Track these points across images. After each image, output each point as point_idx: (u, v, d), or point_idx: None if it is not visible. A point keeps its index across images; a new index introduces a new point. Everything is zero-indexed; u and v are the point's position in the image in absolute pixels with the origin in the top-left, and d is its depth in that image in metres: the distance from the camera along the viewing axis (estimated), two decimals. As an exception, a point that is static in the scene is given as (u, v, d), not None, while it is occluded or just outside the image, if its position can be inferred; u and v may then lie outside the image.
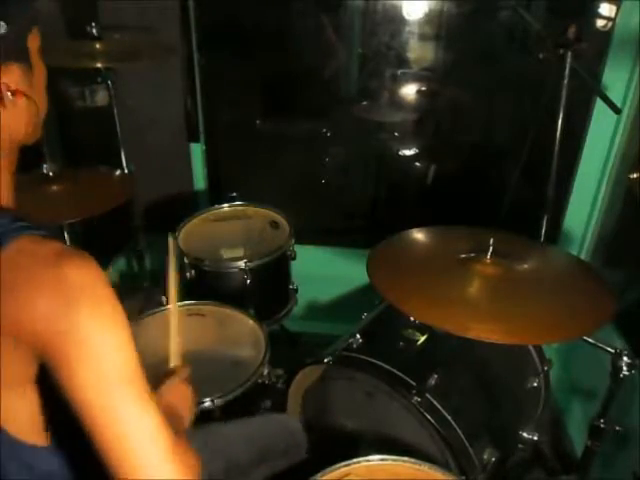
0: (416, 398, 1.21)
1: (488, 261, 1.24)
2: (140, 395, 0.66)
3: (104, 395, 0.64)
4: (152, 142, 2.14)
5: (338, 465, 1.04)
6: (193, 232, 1.88)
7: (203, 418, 1.26)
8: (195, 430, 1.12)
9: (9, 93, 0.71)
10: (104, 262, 2.27)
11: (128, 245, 2.19)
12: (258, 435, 1.20)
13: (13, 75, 0.72)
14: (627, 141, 1.82)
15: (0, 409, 0.66)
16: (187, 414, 0.96)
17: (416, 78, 2.15)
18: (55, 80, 2.18)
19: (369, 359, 1.31)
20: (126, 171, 1.93)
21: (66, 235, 1.72)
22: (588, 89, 1.70)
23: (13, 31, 0.70)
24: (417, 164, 2.32)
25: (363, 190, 2.41)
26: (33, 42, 0.75)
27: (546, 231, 1.61)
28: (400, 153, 2.29)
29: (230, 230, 1.92)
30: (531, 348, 1.50)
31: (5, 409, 0.67)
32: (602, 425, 1.30)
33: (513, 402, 1.42)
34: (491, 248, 1.24)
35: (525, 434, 1.34)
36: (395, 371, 1.27)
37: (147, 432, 0.66)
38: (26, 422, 0.70)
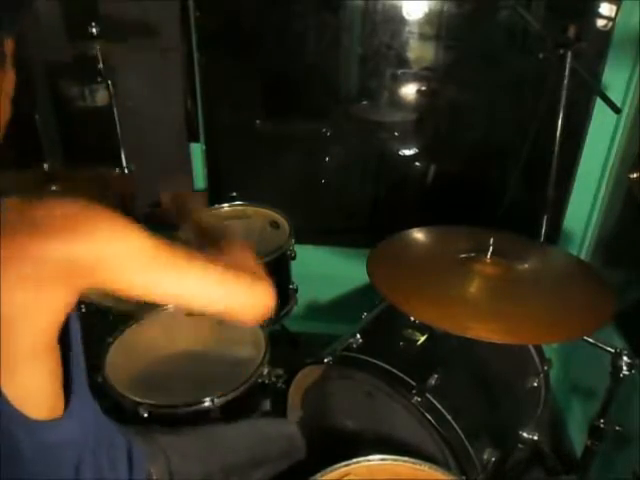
0: (416, 398, 1.21)
1: (488, 261, 1.24)
2: (181, 263, 0.75)
3: (155, 280, 0.73)
4: (152, 142, 2.14)
5: (338, 465, 1.04)
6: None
7: (203, 418, 1.26)
8: (195, 430, 1.13)
9: None
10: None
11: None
12: (255, 439, 1.20)
13: None
14: (627, 141, 1.82)
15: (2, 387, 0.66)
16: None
17: (416, 78, 2.15)
18: (55, 80, 2.18)
19: (369, 359, 1.31)
20: (126, 171, 1.93)
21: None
22: (588, 89, 1.70)
23: None
24: (417, 164, 2.32)
25: (363, 190, 2.41)
26: (8, 46, 0.74)
27: (546, 231, 1.61)
28: (400, 153, 2.29)
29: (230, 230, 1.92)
30: (531, 348, 1.50)
31: (17, 387, 0.67)
32: (602, 425, 1.30)
33: (513, 402, 1.42)
34: (491, 248, 1.24)
35: (525, 434, 1.34)
36: (395, 371, 1.27)
37: (213, 286, 0.79)
38: (38, 397, 0.70)
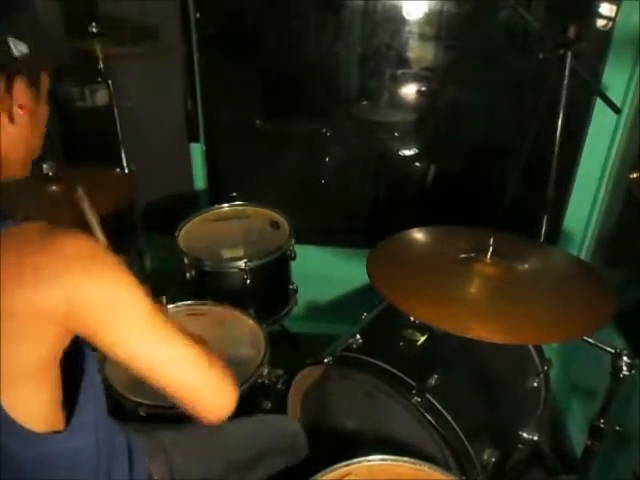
0: (416, 398, 1.21)
1: (488, 261, 1.24)
2: (170, 336, 0.74)
3: (137, 345, 0.71)
4: (152, 142, 2.14)
5: (338, 465, 1.04)
6: (193, 232, 1.88)
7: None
8: (196, 428, 1.13)
9: (19, 110, 0.73)
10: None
11: (128, 245, 2.19)
12: (257, 436, 1.20)
13: (24, 94, 0.73)
14: (627, 141, 1.82)
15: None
16: None
17: (416, 78, 2.15)
18: (55, 80, 2.18)
19: (369, 359, 1.31)
20: (126, 171, 1.93)
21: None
22: (588, 89, 1.70)
23: (33, 55, 0.72)
24: (417, 164, 2.32)
25: (363, 190, 2.41)
26: (45, 81, 0.79)
27: (546, 231, 1.61)
28: (400, 153, 2.29)
29: (230, 230, 1.92)
30: (531, 348, 1.50)
31: (19, 403, 0.67)
32: (602, 425, 1.30)
33: (513, 402, 1.42)
34: (491, 248, 1.24)
35: (525, 434, 1.34)
36: (395, 371, 1.27)
37: (188, 367, 0.76)
38: (41, 412, 0.70)
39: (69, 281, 0.65)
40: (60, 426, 0.73)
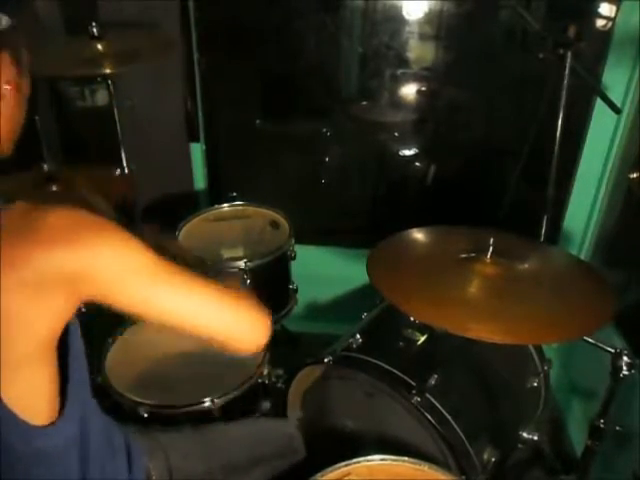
0: (416, 398, 1.21)
1: (488, 261, 1.24)
2: (182, 281, 0.75)
3: (151, 298, 0.72)
4: (152, 142, 2.14)
5: (338, 465, 1.04)
6: (193, 232, 1.88)
7: (203, 418, 1.26)
8: (195, 429, 1.13)
9: (6, 86, 0.72)
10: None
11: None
12: (256, 438, 1.21)
13: (10, 70, 0.72)
14: (627, 141, 1.82)
15: None
16: None
17: (416, 78, 2.15)
18: (55, 80, 2.18)
19: (369, 359, 1.31)
20: (126, 171, 1.93)
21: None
22: (588, 89, 1.70)
23: (13, 27, 0.71)
24: (417, 164, 2.32)
25: (363, 190, 2.41)
26: (25, 56, 0.76)
27: (546, 231, 1.61)
28: (400, 153, 2.29)
29: (230, 230, 1.92)
30: (531, 348, 1.50)
31: (19, 394, 0.67)
32: (602, 425, 1.30)
33: (513, 402, 1.42)
34: (491, 248, 1.24)
35: (525, 434, 1.34)
36: (395, 371, 1.27)
37: (208, 305, 0.77)
38: (36, 402, 0.70)
39: (68, 256, 0.65)
40: (55, 415, 0.73)
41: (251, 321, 0.81)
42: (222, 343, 0.80)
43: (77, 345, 0.76)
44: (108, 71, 1.63)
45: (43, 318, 0.66)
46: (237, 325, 0.80)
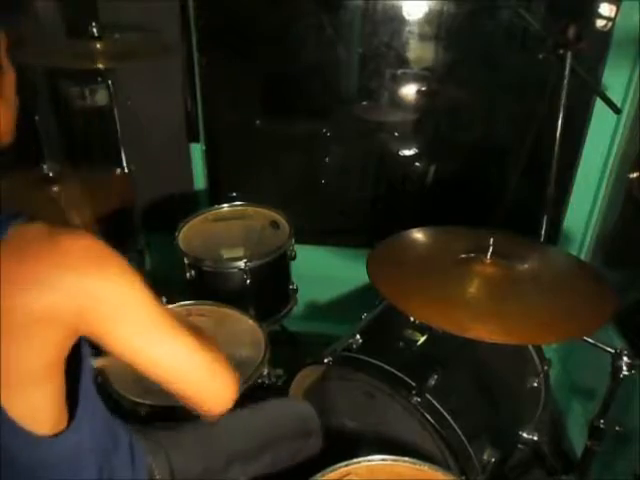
0: (416, 398, 1.21)
1: (488, 261, 1.24)
2: (173, 332, 0.74)
3: (142, 343, 0.71)
4: (152, 142, 2.14)
5: (338, 465, 1.04)
6: (193, 232, 1.88)
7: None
8: (195, 424, 1.12)
9: None
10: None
11: (128, 245, 2.19)
12: (266, 422, 1.19)
13: None
14: (627, 141, 1.82)
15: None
16: None
17: (416, 78, 2.15)
18: (55, 80, 2.18)
19: (369, 359, 1.31)
20: (126, 171, 1.93)
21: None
22: (588, 89, 1.70)
23: None
24: (417, 164, 2.32)
25: (363, 190, 2.41)
26: (3, 44, 0.74)
27: (546, 231, 1.61)
28: (400, 153, 2.29)
29: (230, 230, 1.92)
30: (531, 348, 1.51)
31: (23, 406, 0.67)
32: (602, 425, 1.30)
33: (513, 402, 1.42)
34: (491, 248, 1.24)
35: (525, 434, 1.34)
36: (395, 371, 1.27)
37: (190, 361, 0.76)
38: (45, 414, 0.70)
39: (75, 283, 0.64)
40: (63, 425, 0.73)
41: (224, 382, 0.81)
42: (191, 399, 0.80)
43: (87, 352, 0.76)
44: (107, 66, 1.63)
45: (45, 342, 0.65)
46: (212, 384, 0.80)
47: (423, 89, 2.17)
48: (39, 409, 0.69)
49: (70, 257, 0.65)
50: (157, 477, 1.00)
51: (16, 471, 0.71)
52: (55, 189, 1.67)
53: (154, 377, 0.75)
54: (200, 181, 2.30)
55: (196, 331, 0.79)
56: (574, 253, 1.97)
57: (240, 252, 1.81)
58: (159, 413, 1.23)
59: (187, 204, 2.27)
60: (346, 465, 1.05)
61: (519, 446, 1.35)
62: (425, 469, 1.05)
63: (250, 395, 1.34)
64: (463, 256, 1.28)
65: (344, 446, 1.36)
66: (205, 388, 0.79)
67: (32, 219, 0.67)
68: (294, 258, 1.86)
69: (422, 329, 1.39)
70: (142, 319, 0.71)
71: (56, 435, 0.71)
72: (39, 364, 0.66)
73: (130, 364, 0.73)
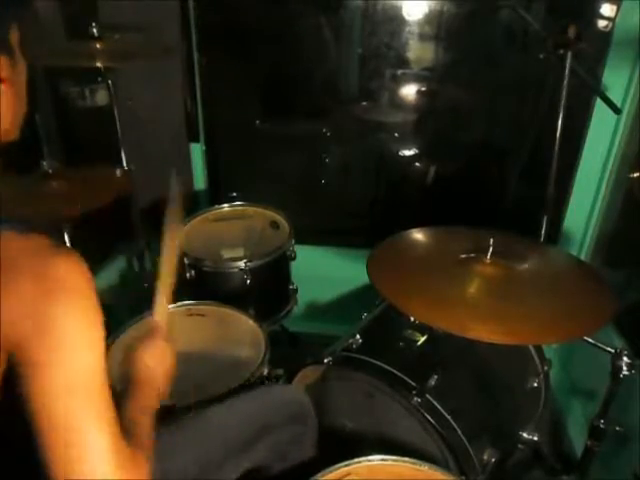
0: (416, 398, 1.21)
1: (488, 261, 1.24)
2: (99, 407, 0.65)
3: (65, 400, 0.63)
4: (152, 142, 2.14)
5: (338, 465, 1.04)
6: (193, 232, 1.88)
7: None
8: (187, 424, 1.12)
9: (1, 84, 0.71)
10: (104, 262, 2.27)
11: (128, 245, 2.19)
12: (255, 411, 1.17)
13: (1, 65, 0.71)
14: (627, 141, 1.82)
15: None
16: (162, 379, 0.92)
17: (416, 78, 2.15)
18: (55, 80, 2.18)
19: (369, 359, 1.31)
20: (126, 170, 1.93)
21: (65, 234, 1.72)
22: (588, 89, 1.70)
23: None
24: (417, 164, 2.32)
25: (363, 190, 2.41)
26: (13, 37, 0.74)
27: (546, 231, 1.61)
28: (400, 153, 2.29)
29: (230, 230, 1.92)
30: (531, 348, 1.50)
31: None
32: (602, 425, 1.31)
33: (513, 402, 1.42)
34: (491, 248, 1.24)
35: (525, 434, 1.34)
36: (395, 371, 1.27)
37: (98, 446, 0.64)
38: None
39: (40, 303, 0.61)
40: None
41: None
42: None
43: None
44: (107, 66, 1.63)
45: None
46: None
47: (423, 89, 2.17)
48: None
49: (47, 280, 0.62)
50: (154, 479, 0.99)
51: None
52: (54, 187, 1.67)
53: (52, 448, 0.64)
54: (200, 181, 2.30)
55: (130, 447, 0.69)
56: (574, 253, 1.97)
57: (240, 252, 1.81)
58: (159, 413, 1.23)
59: (187, 204, 2.27)
60: (346, 465, 1.04)
61: (519, 446, 1.35)
62: (425, 469, 1.05)
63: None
64: (463, 256, 1.28)
65: (344, 446, 1.36)
66: None
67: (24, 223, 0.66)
68: (294, 258, 1.86)
69: (422, 329, 1.39)
70: (77, 376, 0.63)
71: None
72: None
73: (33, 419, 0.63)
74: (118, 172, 1.86)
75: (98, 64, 1.63)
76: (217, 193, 2.31)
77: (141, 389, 0.88)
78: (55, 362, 0.62)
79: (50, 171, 1.68)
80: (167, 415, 1.21)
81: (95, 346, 0.65)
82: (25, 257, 0.63)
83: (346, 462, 1.05)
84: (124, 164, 1.93)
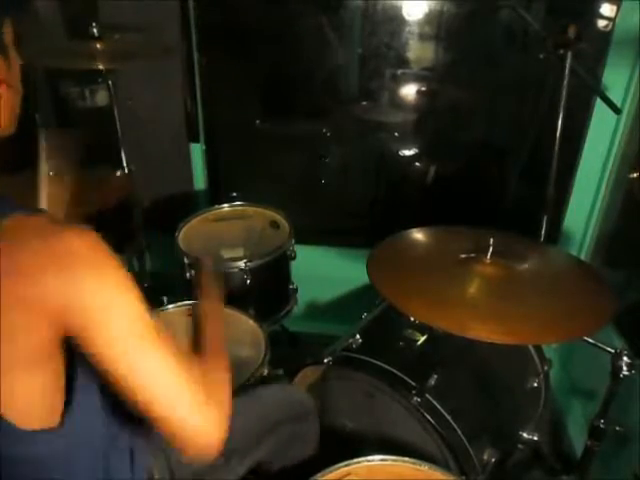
0: (416, 398, 1.21)
1: (488, 261, 1.24)
2: (158, 347, 0.70)
3: (124, 351, 0.68)
4: (152, 142, 2.14)
5: (338, 465, 1.04)
6: (193, 232, 1.88)
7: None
8: None
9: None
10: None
11: (128, 245, 2.19)
12: (260, 409, 1.18)
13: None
14: (627, 141, 1.82)
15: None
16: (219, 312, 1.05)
17: (416, 78, 2.15)
18: (55, 80, 2.18)
19: (369, 359, 1.31)
20: (126, 171, 1.93)
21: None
22: (588, 89, 1.70)
23: None
24: (417, 164, 2.32)
25: (363, 190, 2.41)
26: (7, 36, 0.74)
27: (546, 231, 1.61)
28: (400, 153, 2.29)
29: (230, 230, 1.92)
30: (531, 348, 1.51)
31: (8, 396, 0.66)
32: (602, 425, 1.31)
33: (513, 402, 1.42)
34: (491, 248, 1.24)
35: (525, 434, 1.34)
36: (395, 371, 1.27)
37: (171, 382, 0.71)
38: (29, 406, 0.69)
39: (68, 279, 0.64)
40: (53, 422, 0.71)
41: (211, 419, 0.74)
42: (172, 433, 0.73)
43: None
44: (107, 67, 1.63)
45: (29, 330, 0.64)
46: (195, 417, 0.73)
47: (423, 89, 2.17)
48: (27, 401, 0.68)
49: (68, 255, 0.64)
50: (156, 477, 1.00)
51: (11, 469, 0.70)
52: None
53: (132, 396, 0.70)
54: (200, 181, 2.30)
55: (193, 364, 0.76)
56: (574, 253, 1.97)
57: (240, 252, 1.81)
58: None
59: (187, 204, 2.27)
60: (346, 465, 1.05)
61: (519, 446, 1.35)
62: (425, 469, 1.05)
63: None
64: (463, 256, 1.28)
65: (344, 446, 1.36)
66: (187, 419, 0.73)
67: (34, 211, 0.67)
68: (294, 258, 1.86)
69: (422, 329, 1.39)
70: (127, 326, 0.68)
71: (43, 431, 0.70)
72: (25, 352, 0.65)
73: (108, 376, 0.69)
74: (118, 173, 1.86)
75: (98, 64, 1.63)
76: (217, 193, 2.30)
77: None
78: (100, 330, 0.67)
79: (51, 173, 1.68)
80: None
81: (132, 303, 0.69)
82: (40, 239, 0.64)
83: (346, 462, 1.05)
84: (124, 164, 1.93)
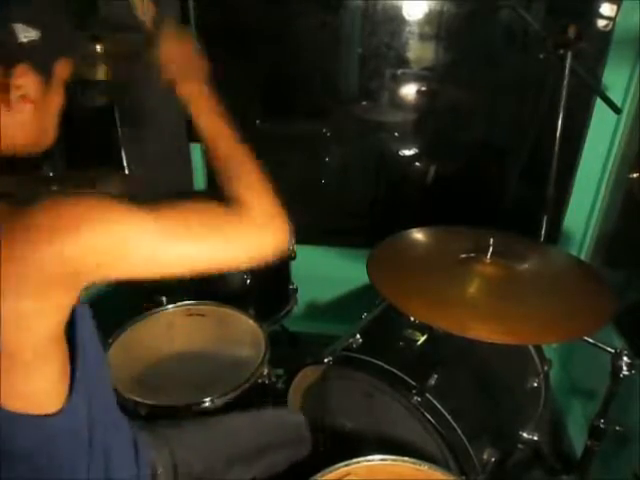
0: (416, 398, 1.21)
1: (488, 261, 1.24)
2: (181, 235, 0.73)
3: (156, 262, 0.72)
4: (152, 142, 2.14)
5: (338, 465, 1.04)
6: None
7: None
8: (198, 422, 1.13)
9: (18, 95, 0.72)
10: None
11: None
12: (259, 429, 1.20)
13: (27, 80, 0.72)
14: (627, 141, 1.82)
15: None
16: (194, 63, 1.09)
17: (416, 78, 2.15)
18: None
19: (369, 359, 1.31)
20: (127, 171, 1.93)
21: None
22: (588, 89, 1.70)
23: (44, 42, 0.71)
24: (417, 164, 2.32)
25: (363, 190, 2.41)
26: (62, 70, 0.77)
27: (546, 231, 1.61)
28: (400, 153, 2.29)
29: (230, 230, 1.92)
30: (531, 348, 1.51)
31: (13, 386, 0.66)
32: (602, 425, 1.31)
33: (513, 402, 1.42)
34: (491, 248, 1.24)
35: (525, 434, 1.34)
36: (395, 371, 1.27)
37: (207, 249, 0.77)
38: (42, 394, 0.69)
39: (73, 234, 0.64)
40: (60, 405, 0.71)
41: (259, 236, 0.84)
42: (241, 262, 0.81)
43: (85, 328, 0.75)
44: (107, 67, 1.63)
45: (44, 314, 0.65)
46: (243, 246, 0.81)
47: (423, 89, 2.17)
48: (40, 388, 0.68)
49: (50, 226, 0.64)
50: (160, 471, 1.00)
51: (18, 451, 0.70)
52: (54, 189, 1.67)
53: (188, 271, 0.76)
54: (200, 181, 2.30)
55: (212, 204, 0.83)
56: (574, 253, 1.97)
57: (240, 252, 1.81)
58: (159, 413, 1.24)
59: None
60: (346, 465, 1.04)
61: (519, 446, 1.35)
62: (425, 469, 1.05)
63: (250, 395, 1.34)
64: (463, 256, 1.28)
65: (344, 446, 1.36)
66: (242, 252, 0.81)
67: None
68: (294, 258, 1.86)
69: (422, 329, 1.39)
70: (147, 245, 0.70)
71: (55, 414, 0.70)
72: (37, 341, 0.65)
73: (158, 276, 0.73)
74: (118, 173, 1.86)
75: (98, 64, 1.63)
76: (217, 193, 2.30)
77: (187, 87, 1.05)
78: (130, 257, 0.69)
79: (51, 174, 1.68)
80: (167, 415, 1.22)
81: (126, 213, 0.69)
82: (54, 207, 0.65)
83: (346, 462, 1.05)
84: (124, 164, 1.93)
